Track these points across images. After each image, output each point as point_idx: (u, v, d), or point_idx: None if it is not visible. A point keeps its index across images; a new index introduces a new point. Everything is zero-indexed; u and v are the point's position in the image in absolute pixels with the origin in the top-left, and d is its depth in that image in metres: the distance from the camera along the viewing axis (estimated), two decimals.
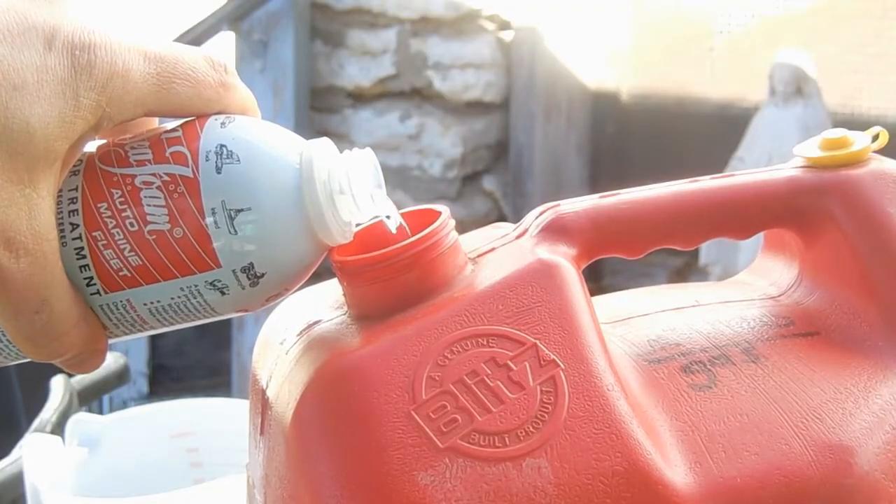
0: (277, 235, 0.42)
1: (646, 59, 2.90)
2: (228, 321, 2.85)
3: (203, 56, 0.43)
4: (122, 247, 0.41)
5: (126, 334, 0.44)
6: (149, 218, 0.41)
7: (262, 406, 0.46)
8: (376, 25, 2.89)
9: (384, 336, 0.43)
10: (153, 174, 0.41)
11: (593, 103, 2.94)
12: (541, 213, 0.48)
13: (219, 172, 0.41)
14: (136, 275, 0.42)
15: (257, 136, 0.42)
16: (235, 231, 0.41)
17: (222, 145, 0.42)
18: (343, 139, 2.84)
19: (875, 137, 0.51)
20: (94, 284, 0.42)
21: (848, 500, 0.43)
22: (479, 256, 0.46)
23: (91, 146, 0.43)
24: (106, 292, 0.42)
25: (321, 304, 0.47)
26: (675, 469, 0.42)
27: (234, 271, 0.42)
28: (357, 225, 0.45)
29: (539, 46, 2.86)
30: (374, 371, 0.42)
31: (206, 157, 0.41)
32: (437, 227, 0.44)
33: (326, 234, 0.43)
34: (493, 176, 2.97)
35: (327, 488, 0.41)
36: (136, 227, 0.41)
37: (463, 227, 0.45)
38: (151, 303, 0.42)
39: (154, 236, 0.41)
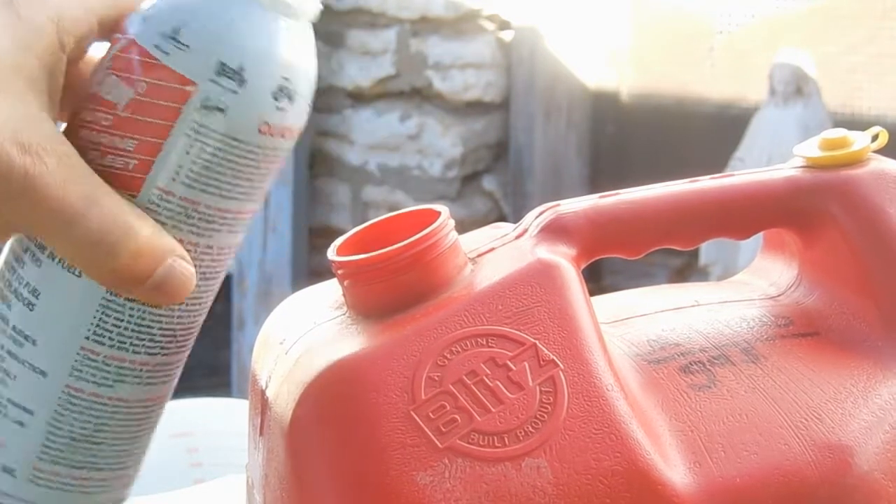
0: (225, 24, 0.41)
1: (646, 59, 2.90)
2: (228, 321, 2.85)
3: None
4: (116, 143, 0.41)
5: (191, 231, 0.42)
6: (114, 100, 0.41)
7: (262, 406, 0.46)
8: (376, 25, 2.89)
9: (384, 336, 0.43)
10: (106, 71, 0.42)
11: (593, 103, 2.94)
12: (540, 213, 0.48)
13: (146, 22, 0.41)
14: (142, 154, 0.41)
15: None
16: (185, 45, 0.41)
17: (144, 16, 0.42)
18: (343, 139, 2.84)
19: (875, 137, 0.51)
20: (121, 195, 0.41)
21: (848, 500, 0.43)
22: (478, 256, 0.46)
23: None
24: (136, 195, 0.41)
25: (321, 304, 0.47)
26: (674, 469, 0.42)
27: (211, 80, 0.41)
28: None
29: (539, 46, 2.86)
30: (373, 371, 0.42)
31: (138, 27, 0.42)
32: (436, 227, 0.44)
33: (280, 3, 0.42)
34: (493, 176, 2.96)
35: (326, 488, 0.41)
36: (111, 118, 0.41)
37: (463, 227, 0.45)
38: (176, 172, 0.41)
39: (129, 110, 0.41)
